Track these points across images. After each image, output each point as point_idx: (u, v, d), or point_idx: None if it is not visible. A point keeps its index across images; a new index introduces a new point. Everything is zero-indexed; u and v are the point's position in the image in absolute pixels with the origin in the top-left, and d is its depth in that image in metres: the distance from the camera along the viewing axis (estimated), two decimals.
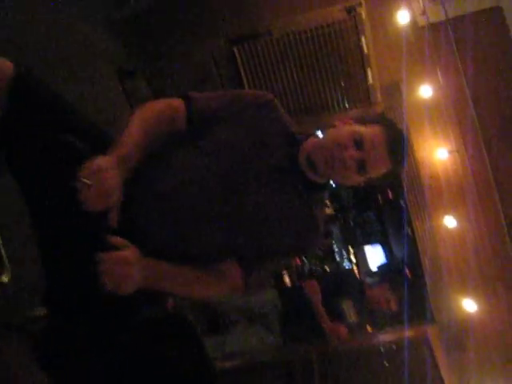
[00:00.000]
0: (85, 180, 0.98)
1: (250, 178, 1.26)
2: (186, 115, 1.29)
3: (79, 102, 1.35)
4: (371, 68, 4.01)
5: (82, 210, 1.00)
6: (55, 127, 1.13)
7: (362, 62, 4.00)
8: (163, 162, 1.26)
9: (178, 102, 1.30)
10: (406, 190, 4.14)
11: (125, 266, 1.05)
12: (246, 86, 4.09)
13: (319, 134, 1.45)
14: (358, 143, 1.24)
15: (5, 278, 1.69)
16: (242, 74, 4.09)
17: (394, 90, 4.07)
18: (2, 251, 1.68)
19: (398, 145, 1.29)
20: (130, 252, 1.08)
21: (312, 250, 1.46)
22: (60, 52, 2.91)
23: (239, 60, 4.08)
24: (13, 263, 1.72)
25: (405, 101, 3.99)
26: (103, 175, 1.00)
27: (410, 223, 4.29)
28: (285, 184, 1.30)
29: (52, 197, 1.12)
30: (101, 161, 1.03)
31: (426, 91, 3.90)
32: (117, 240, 1.08)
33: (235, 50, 4.08)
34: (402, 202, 4.50)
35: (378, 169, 1.28)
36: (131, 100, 3.98)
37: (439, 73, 3.79)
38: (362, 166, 1.25)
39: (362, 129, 1.27)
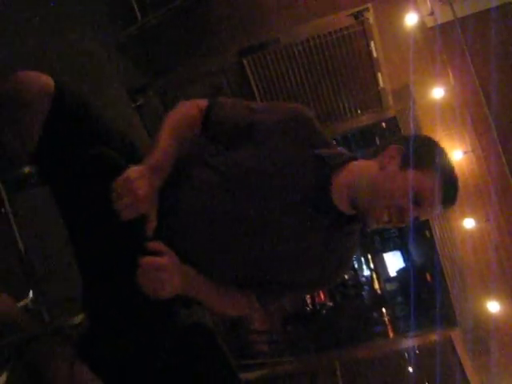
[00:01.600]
0: (117, 190, 1.05)
1: (274, 207, 1.18)
2: (201, 118, 1.26)
3: None
4: (381, 72, 4.00)
5: (119, 220, 1.05)
6: (91, 140, 1.15)
7: (372, 66, 3.99)
8: (186, 183, 1.23)
9: (203, 104, 1.28)
10: None
11: (162, 272, 1.08)
12: (257, 96, 4.11)
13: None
14: (417, 200, 1.14)
15: (30, 295, 1.68)
16: (253, 84, 4.11)
17: (405, 94, 4.06)
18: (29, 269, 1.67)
19: (454, 193, 1.19)
20: (168, 258, 1.10)
21: (337, 282, 1.34)
22: (69, 73, 2.95)
23: (249, 71, 4.10)
24: (53, 273, 1.73)
25: (415, 103, 3.98)
26: (133, 185, 1.06)
27: (428, 226, 4.25)
28: (313, 215, 1.20)
29: (89, 207, 1.14)
30: (131, 171, 1.08)
31: (438, 93, 3.88)
32: (155, 245, 1.10)
33: (244, 61, 4.10)
34: None
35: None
36: (144, 116, 4.02)
37: (450, 73, 3.77)
38: (415, 219, 1.18)
39: (420, 180, 1.14)
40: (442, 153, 1.20)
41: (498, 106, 3.80)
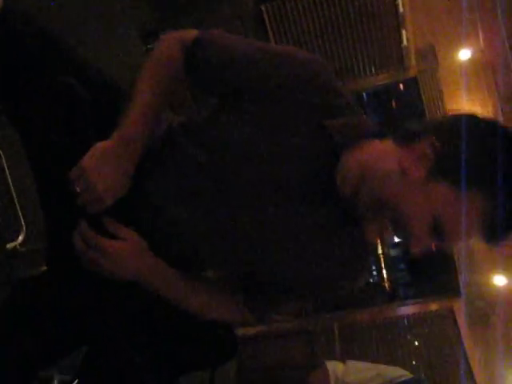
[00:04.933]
0: (75, 187, 0.89)
1: (273, 189, 0.92)
2: (183, 61, 0.97)
3: (100, 61, 1.20)
4: (406, 29, 3.79)
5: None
6: (54, 70, 0.96)
7: (397, 22, 3.79)
8: (157, 168, 1.00)
9: (190, 36, 0.99)
10: None
11: (103, 258, 0.91)
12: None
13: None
14: (438, 229, 0.82)
15: (20, 238, 1.68)
16: (270, 33, 3.93)
17: (429, 54, 3.87)
18: (19, 212, 1.64)
19: (507, 227, 0.80)
20: (128, 245, 0.93)
21: (354, 288, 1.03)
22: (82, 10, 2.80)
23: (267, 19, 3.91)
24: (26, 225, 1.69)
25: (438, 64, 3.80)
26: (90, 179, 0.88)
27: None
28: (318, 204, 0.93)
29: (49, 149, 0.98)
30: (86, 160, 0.90)
31: (464, 54, 3.68)
32: (117, 230, 0.93)
33: (263, 8, 3.91)
34: None
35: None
36: None
37: (480, 34, 3.56)
38: (436, 248, 0.88)
39: (449, 202, 0.80)
40: (503, 160, 0.77)
41: None
